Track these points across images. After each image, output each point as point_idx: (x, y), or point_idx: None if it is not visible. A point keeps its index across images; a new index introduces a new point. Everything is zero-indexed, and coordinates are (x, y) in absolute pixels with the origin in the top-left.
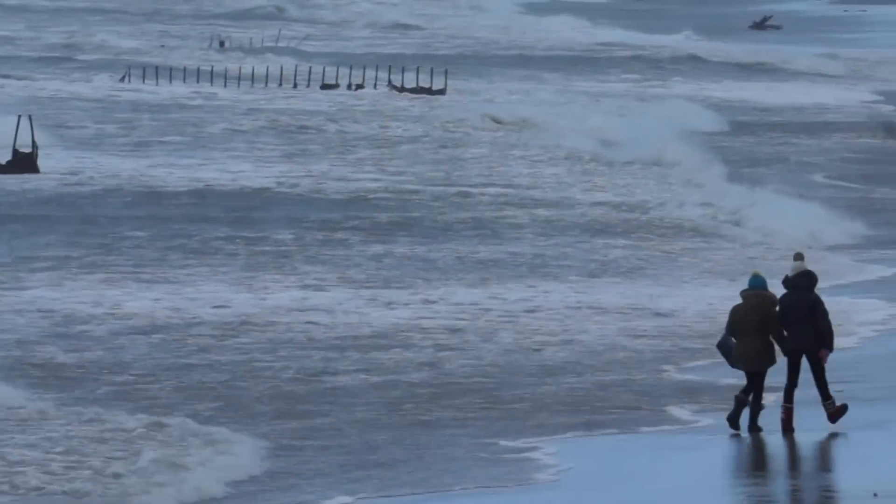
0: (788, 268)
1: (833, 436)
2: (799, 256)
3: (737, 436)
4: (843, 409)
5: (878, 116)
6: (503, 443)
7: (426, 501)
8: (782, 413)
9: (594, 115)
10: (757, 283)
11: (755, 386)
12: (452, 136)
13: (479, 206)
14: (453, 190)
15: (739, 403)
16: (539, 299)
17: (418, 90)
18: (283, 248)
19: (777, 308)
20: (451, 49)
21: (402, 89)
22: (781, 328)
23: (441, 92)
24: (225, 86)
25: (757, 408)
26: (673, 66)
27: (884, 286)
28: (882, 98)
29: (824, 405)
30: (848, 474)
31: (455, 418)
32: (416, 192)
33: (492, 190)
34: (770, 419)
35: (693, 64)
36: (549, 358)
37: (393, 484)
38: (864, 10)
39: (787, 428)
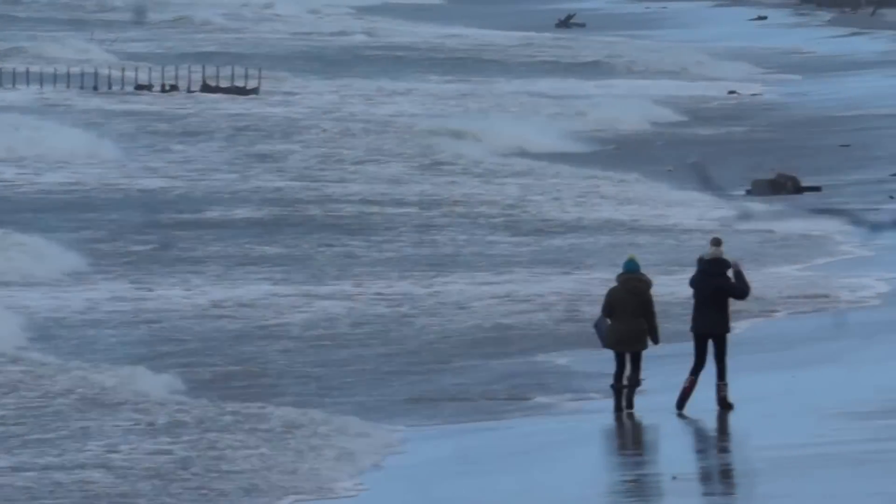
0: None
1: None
2: (716, 242)
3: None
4: (730, 405)
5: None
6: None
7: None
8: (686, 383)
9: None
10: (632, 267)
11: (633, 365)
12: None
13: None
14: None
15: (618, 392)
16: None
17: (232, 90)
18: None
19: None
20: (277, 49)
21: (215, 89)
22: (655, 312)
23: (255, 91)
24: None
25: (634, 384)
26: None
27: None
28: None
29: (717, 385)
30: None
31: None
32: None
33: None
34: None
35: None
36: (414, 347)
37: None
38: (665, 7)
39: (684, 399)
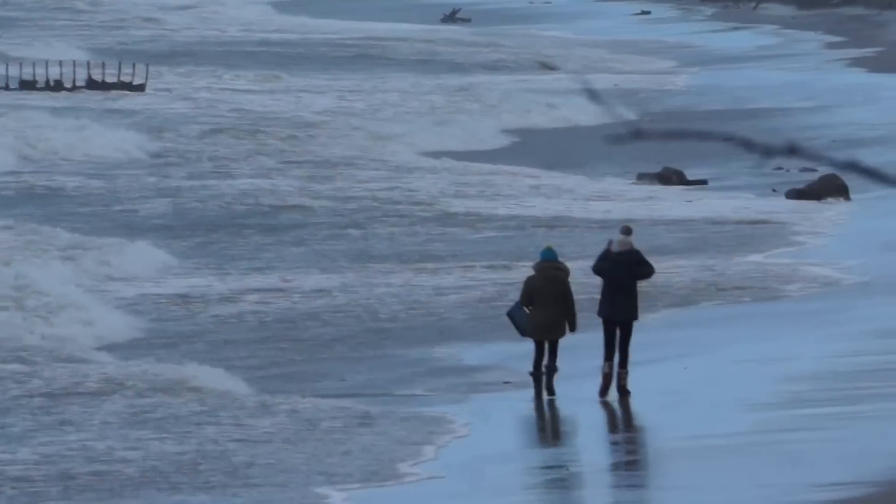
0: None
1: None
2: (626, 230)
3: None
4: (628, 392)
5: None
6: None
7: None
8: (605, 369)
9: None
10: (550, 255)
11: (551, 354)
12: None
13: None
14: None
15: (537, 380)
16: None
17: (118, 85)
18: None
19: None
20: (176, 45)
21: (101, 85)
22: (573, 300)
23: (141, 87)
24: None
25: (552, 370)
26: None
27: None
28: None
29: (619, 372)
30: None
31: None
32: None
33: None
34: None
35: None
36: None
37: None
38: (549, 2)
39: (606, 386)
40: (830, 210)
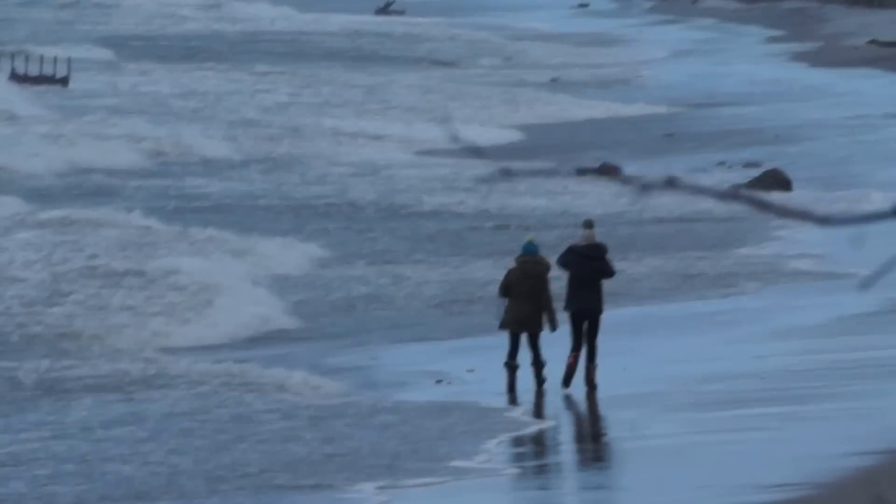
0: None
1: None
2: (589, 224)
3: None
4: (595, 385)
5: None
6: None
7: None
8: (570, 359)
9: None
10: (531, 249)
11: (532, 347)
12: None
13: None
14: None
15: (511, 370)
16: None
17: (41, 79)
18: None
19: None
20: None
21: (23, 78)
22: (550, 296)
23: (64, 81)
24: None
25: (539, 365)
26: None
27: None
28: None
29: (587, 366)
30: None
31: None
32: None
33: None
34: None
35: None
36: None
37: None
38: None
39: (569, 376)
40: None
